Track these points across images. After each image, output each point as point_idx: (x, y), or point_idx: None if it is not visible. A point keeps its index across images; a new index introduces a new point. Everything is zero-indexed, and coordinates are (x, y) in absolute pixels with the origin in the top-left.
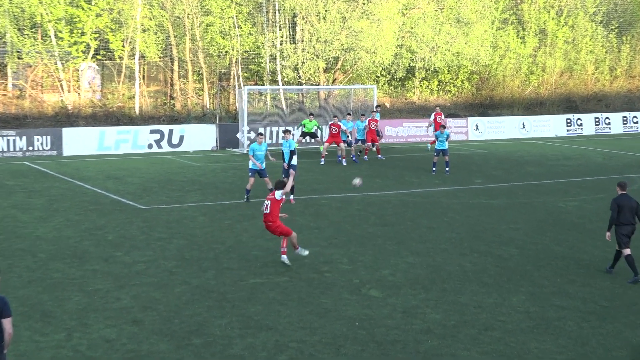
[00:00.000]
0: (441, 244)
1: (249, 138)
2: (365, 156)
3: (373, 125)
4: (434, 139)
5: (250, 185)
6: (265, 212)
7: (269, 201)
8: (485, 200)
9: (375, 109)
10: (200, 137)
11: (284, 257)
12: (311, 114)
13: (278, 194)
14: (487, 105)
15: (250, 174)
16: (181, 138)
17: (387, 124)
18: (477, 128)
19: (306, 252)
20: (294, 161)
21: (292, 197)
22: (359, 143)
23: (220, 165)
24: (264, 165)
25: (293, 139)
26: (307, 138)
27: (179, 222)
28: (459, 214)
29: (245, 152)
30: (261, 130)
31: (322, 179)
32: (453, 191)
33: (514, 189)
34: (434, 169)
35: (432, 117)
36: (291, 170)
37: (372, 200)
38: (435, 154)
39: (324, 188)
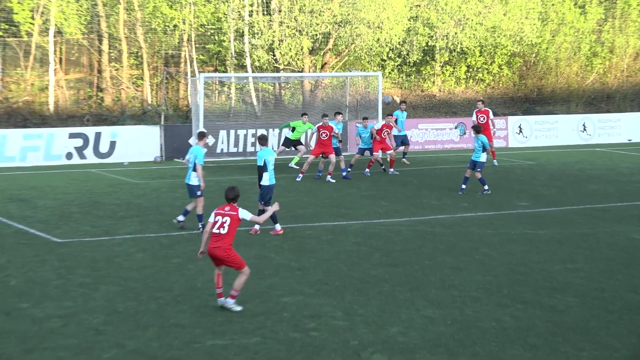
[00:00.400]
0: (471, 290)
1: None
2: (367, 170)
3: (385, 133)
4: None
5: (201, 208)
6: (218, 231)
7: (228, 218)
8: (531, 230)
9: (399, 106)
10: (139, 144)
11: (230, 302)
12: (305, 114)
13: (244, 213)
14: (534, 100)
15: (199, 193)
16: (112, 145)
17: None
18: (520, 131)
19: (238, 308)
20: (269, 179)
21: (278, 226)
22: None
23: (166, 183)
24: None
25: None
26: (292, 147)
27: (109, 261)
28: (496, 249)
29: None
30: (202, 129)
31: (307, 202)
32: (487, 218)
33: (571, 214)
34: (463, 186)
35: (474, 116)
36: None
37: (375, 230)
38: (469, 166)
39: (310, 214)
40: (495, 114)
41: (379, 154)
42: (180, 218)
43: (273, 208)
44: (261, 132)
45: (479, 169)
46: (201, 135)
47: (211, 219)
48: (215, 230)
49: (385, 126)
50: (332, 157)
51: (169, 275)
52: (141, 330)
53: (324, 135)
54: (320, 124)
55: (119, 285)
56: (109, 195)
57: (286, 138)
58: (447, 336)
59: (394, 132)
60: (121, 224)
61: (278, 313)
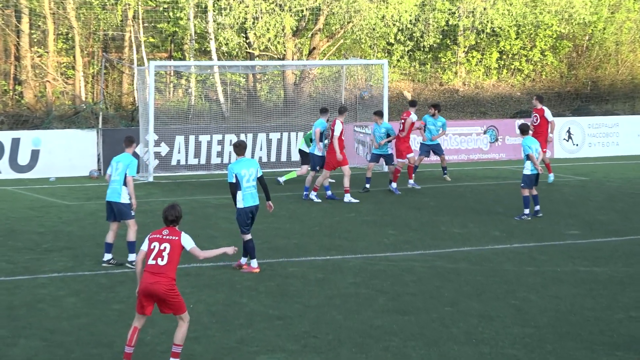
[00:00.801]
0: (505, 347)
1: (157, 155)
2: (394, 184)
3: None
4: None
5: (134, 234)
6: (155, 262)
7: (167, 244)
8: (584, 267)
9: (428, 110)
10: (70, 154)
11: None
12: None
13: (187, 240)
14: (587, 96)
15: (132, 214)
16: (34, 155)
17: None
18: (569, 137)
19: None
20: (243, 200)
21: (253, 262)
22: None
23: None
24: (121, 199)
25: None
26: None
27: (31, 307)
28: (538, 292)
29: (150, 180)
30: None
31: (291, 230)
32: (527, 251)
33: (637, 246)
34: (526, 211)
35: (536, 119)
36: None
37: (380, 267)
38: (523, 184)
39: (294, 246)
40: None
41: (412, 155)
42: (107, 257)
43: (225, 250)
44: (230, 137)
45: (522, 184)
46: (129, 142)
47: (144, 247)
48: (151, 262)
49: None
50: (347, 168)
51: (109, 326)
52: None
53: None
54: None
55: (43, 339)
56: (31, 221)
57: (301, 151)
58: None
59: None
60: (46, 259)
61: None
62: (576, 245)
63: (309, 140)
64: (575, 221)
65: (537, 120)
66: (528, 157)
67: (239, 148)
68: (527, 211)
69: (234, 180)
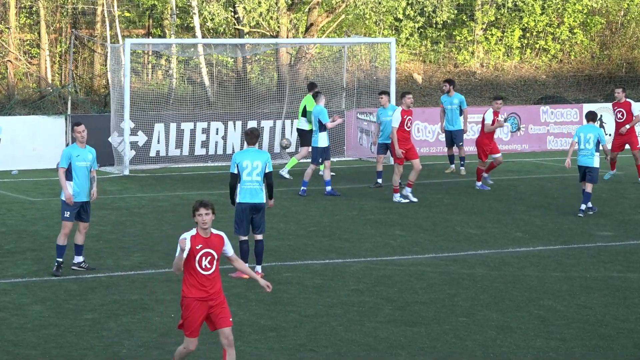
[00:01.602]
0: (527, 358)
1: (133, 145)
2: (487, 175)
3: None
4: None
5: (69, 231)
6: (206, 272)
7: (215, 253)
8: (617, 272)
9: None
10: (34, 143)
11: None
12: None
13: (230, 246)
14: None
15: (68, 216)
16: None
17: (415, 117)
18: (600, 125)
19: None
20: (240, 195)
21: (258, 268)
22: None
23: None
24: (87, 196)
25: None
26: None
27: None
28: (565, 300)
29: (126, 173)
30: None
31: (285, 231)
32: (552, 254)
33: None
34: (583, 206)
35: (621, 115)
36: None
37: (386, 272)
38: (581, 176)
39: (289, 248)
40: (561, 100)
41: (498, 156)
42: (78, 259)
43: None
44: (217, 125)
45: (593, 179)
46: (79, 124)
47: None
48: (200, 270)
49: (409, 114)
50: (417, 161)
51: (80, 337)
52: None
53: (409, 124)
54: (402, 107)
55: (5, 352)
56: None
57: (299, 130)
58: None
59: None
60: (8, 262)
61: None
62: (608, 248)
63: (310, 118)
64: (607, 221)
65: (623, 116)
66: (598, 148)
67: (250, 136)
68: (583, 207)
69: (234, 171)
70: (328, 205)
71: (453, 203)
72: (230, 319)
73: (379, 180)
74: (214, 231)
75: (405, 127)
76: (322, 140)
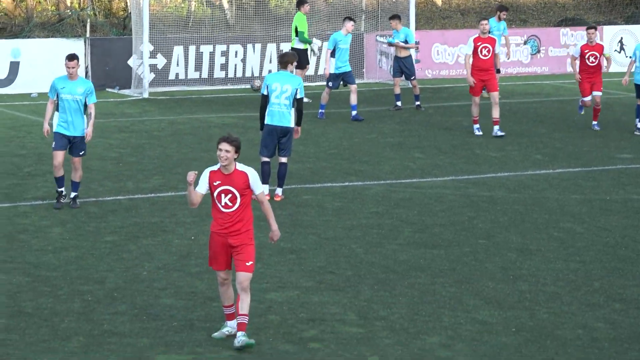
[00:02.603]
0: (547, 283)
1: (153, 68)
2: (496, 129)
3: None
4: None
5: (58, 162)
6: (227, 209)
7: (237, 191)
8: (638, 195)
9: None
10: (53, 66)
11: (242, 340)
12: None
13: (258, 185)
14: None
15: (54, 145)
16: (13, 68)
17: (435, 39)
18: (621, 48)
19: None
20: (270, 116)
21: (278, 190)
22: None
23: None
24: (78, 131)
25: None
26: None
27: (12, 238)
28: (584, 222)
29: (145, 95)
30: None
31: (305, 153)
32: (572, 177)
33: None
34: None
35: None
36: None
37: (406, 194)
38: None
39: (309, 171)
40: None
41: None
42: (73, 194)
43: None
44: (236, 48)
45: None
46: (71, 58)
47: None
48: (221, 208)
49: (484, 41)
50: (495, 94)
51: (100, 260)
52: (60, 341)
53: (485, 52)
54: (477, 35)
55: (26, 274)
56: (10, 142)
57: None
58: (511, 350)
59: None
60: (29, 185)
61: (262, 315)
62: (628, 171)
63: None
64: (628, 143)
65: None
66: None
67: (283, 58)
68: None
69: (264, 92)
70: (347, 128)
71: (471, 126)
72: (248, 264)
73: (398, 103)
74: (240, 168)
75: (480, 55)
76: (332, 66)
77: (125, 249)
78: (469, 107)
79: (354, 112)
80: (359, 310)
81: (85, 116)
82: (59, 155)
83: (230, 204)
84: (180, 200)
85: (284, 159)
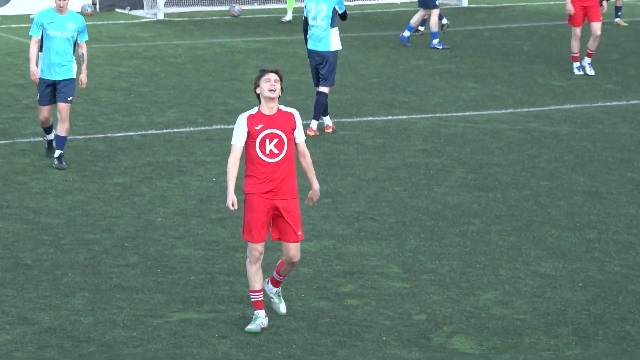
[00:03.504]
0: (619, 231)
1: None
2: (587, 61)
3: None
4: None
5: (45, 117)
6: (272, 158)
7: (283, 134)
8: None
9: None
10: None
11: (278, 303)
12: None
13: (302, 130)
14: None
15: (39, 98)
16: None
17: None
18: None
19: (283, 311)
20: (336, 44)
21: (327, 120)
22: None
23: (103, 50)
24: (65, 73)
25: None
26: None
27: (8, 180)
28: None
29: (160, 17)
30: None
31: (342, 82)
32: None
33: None
34: None
35: None
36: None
37: (457, 129)
38: None
39: (346, 102)
40: None
41: None
42: (58, 153)
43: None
44: None
45: None
46: None
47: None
48: (265, 158)
49: None
50: (597, 25)
51: (108, 205)
52: (63, 297)
53: None
54: None
55: (25, 221)
56: (7, 71)
57: None
58: (577, 307)
59: None
60: (27, 119)
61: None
62: None
63: None
64: None
65: None
66: None
67: None
68: None
69: (305, 14)
70: (391, 53)
71: (534, 51)
72: (300, 233)
73: (445, 21)
74: (283, 108)
75: None
76: None
77: (137, 192)
78: (530, 29)
79: (406, 33)
80: (403, 262)
81: (74, 57)
82: (45, 111)
83: (276, 151)
84: (200, 136)
85: (324, 88)
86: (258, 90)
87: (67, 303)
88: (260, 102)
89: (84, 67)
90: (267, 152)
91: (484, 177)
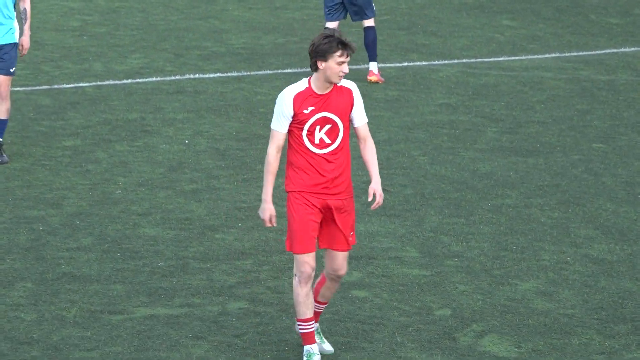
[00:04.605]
0: None
1: None
2: None
3: None
4: None
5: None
6: (322, 149)
7: (339, 119)
8: None
9: None
10: None
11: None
12: None
13: (363, 109)
14: None
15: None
16: None
17: None
18: None
19: (329, 349)
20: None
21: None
22: None
23: None
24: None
25: None
26: None
27: None
28: None
29: None
30: None
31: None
32: None
33: None
34: None
35: None
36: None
37: (489, 77)
38: None
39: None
40: None
41: None
42: None
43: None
44: None
45: None
46: None
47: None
48: (314, 151)
49: None
50: None
51: (56, 173)
52: None
53: None
54: None
55: None
56: None
57: None
58: (638, 300)
59: None
60: None
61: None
62: None
63: None
64: None
65: None
66: None
67: None
68: None
69: None
70: None
71: None
72: (352, 236)
73: None
74: (339, 82)
75: None
76: None
77: (92, 158)
78: None
79: None
80: (422, 244)
81: (14, 16)
82: None
83: (328, 140)
84: (169, 88)
85: (369, 21)
86: (321, 65)
87: (4, 296)
88: (312, 74)
89: (26, 27)
90: (317, 141)
91: (522, 138)
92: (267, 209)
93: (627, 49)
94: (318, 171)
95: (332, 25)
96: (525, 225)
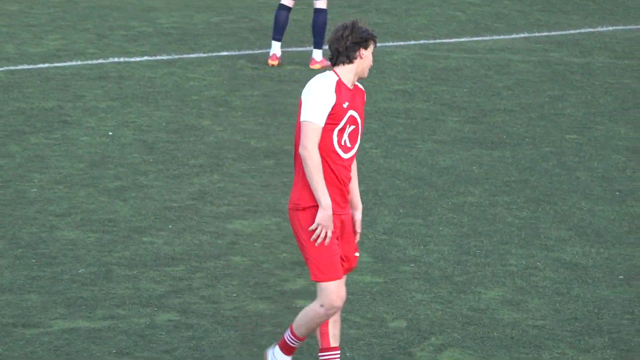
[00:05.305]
0: None
1: None
2: None
3: None
4: None
5: None
6: (347, 152)
7: (360, 120)
8: None
9: None
10: None
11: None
12: None
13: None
14: None
15: None
16: None
17: None
18: None
19: None
20: None
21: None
22: None
23: None
24: None
25: None
26: None
27: None
28: None
29: None
30: None
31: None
32: None
33: None
34: None
35: None
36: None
37: (448, 60)
38: None
39: (298, 25)
40: None
41: None
42: None
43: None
44: None
45: None
46: None
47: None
48: (340, 154)
49: None
50: None
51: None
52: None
53: None
54: None
55: None
56: None
57: None
58: (616, 309)
59: None
60: None
61: (222, 255)
62: None
63: None
64: None
65: None
66: None
67: None
68: None
69: None
70: None
71: None
72: (357, 253)
73: None
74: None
75: None
76: None
77: (3, 151)
78: None
79: None
80: (374, 247)
81: None
82: None
83: (349, 143)
84: (90, 73)
85: (320, 3)
86: (363, 53)
87: None
88: (342, 65)
89: None
90: (342, 142)
91: (487, 128)
92: (331, 216)
93: (603, 29)
94: (341, 181)
95: (287, 2)
96: (490, 226)
